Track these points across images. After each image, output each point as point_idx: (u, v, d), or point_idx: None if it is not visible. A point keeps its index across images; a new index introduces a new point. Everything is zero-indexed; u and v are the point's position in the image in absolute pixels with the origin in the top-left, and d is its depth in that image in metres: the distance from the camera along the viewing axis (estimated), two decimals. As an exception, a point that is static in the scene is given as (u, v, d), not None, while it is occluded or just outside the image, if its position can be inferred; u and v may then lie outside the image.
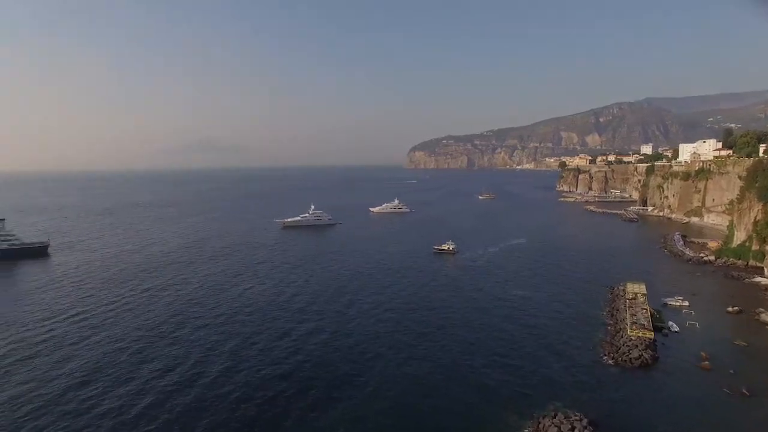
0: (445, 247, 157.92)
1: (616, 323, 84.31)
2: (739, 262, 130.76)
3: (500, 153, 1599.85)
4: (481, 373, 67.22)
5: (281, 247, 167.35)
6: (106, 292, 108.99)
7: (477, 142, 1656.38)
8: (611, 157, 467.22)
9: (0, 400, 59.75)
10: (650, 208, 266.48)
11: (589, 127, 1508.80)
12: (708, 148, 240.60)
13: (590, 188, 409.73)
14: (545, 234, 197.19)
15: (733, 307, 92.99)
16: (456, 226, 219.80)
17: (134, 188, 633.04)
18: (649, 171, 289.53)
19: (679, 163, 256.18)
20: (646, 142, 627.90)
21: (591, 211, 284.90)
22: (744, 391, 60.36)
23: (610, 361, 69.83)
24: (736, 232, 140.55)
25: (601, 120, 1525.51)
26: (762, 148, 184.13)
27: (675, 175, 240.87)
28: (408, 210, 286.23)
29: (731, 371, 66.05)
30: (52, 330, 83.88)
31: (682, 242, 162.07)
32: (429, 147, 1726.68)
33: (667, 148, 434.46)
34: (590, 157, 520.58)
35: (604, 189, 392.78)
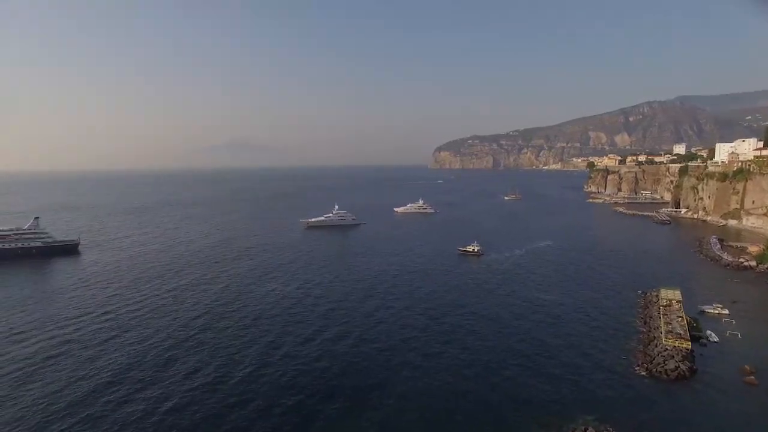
0: (470, 248, 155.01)
1: (650, 331, 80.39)
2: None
3: (526, 153, 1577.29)
4: (510, 380, 64.72)
5: (305, 248, 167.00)
6: (133, 291, 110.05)
7: (503, 142, 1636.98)
8: (642, 157, 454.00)
9: (27, 400, 60.10)
10: (683, 210, 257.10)
11: (618, 126, 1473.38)
12: (748, 147, 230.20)
13: (619, 189, 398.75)
14: (573, 236, 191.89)
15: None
16: (481, 228, 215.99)
17: (166, 187, 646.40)
18: (683, 171, 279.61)
19: (716, 163, 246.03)
20: (679, 142, 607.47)
21: (620, 212, 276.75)
22: (794, 409, 56.34)
23: (643, 372, 66.28)
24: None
25: (630, 119, 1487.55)
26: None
27: (711, 175, 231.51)
28: (432, 210, 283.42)
29: (780, 387, 61.63)
30: (78, 330, 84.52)
31: (719, 246, 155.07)
32: (454, 147, 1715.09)
33: (701, 147, 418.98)
34: (619, 157, 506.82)
35: (634, 190, 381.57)
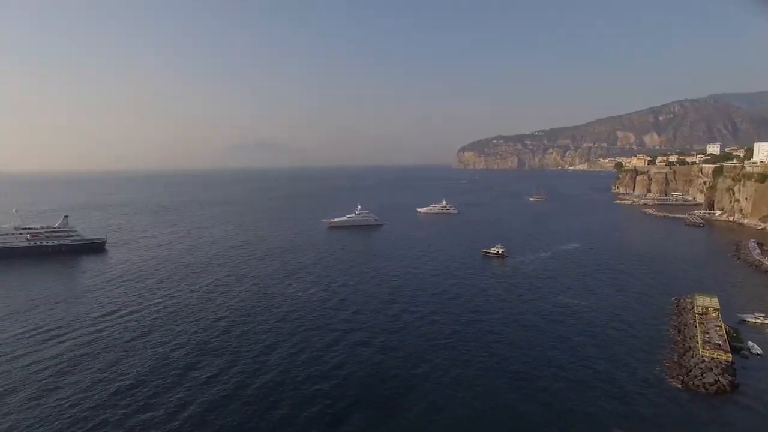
0: (494, 250, 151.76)
1: (685, 340, 76.45)
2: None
3: (552, 153, 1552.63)
4: (539, 389, 62.10)
5: (328, 249, 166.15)
6: (156, 292, 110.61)
7: (528, 142, 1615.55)
8: (673, 158, 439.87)
9: (50, 402, 60.28)
10: (718, 213, 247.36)
11: (647, 126, 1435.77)
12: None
13: (649, 190, 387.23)
14: (601, 238, 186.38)
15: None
16: (505, 229, 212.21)
17: (191, 186, 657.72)
18: (717, 172, 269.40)
19: (754, 163, 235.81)
20: (712, 142, 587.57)
21: (650, 214, 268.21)
22: None
23: (678, 384, 62.65)
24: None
25: (660, 119, 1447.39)
26: None
27: (749, 176, 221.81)
28: (456, 211, 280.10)
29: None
30: (102, 330, 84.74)
31: (758, 250, 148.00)
32: (478, 147, 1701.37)
33: (736, 147, 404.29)
34: (649, 158, 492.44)
35: (665, 191, 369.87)
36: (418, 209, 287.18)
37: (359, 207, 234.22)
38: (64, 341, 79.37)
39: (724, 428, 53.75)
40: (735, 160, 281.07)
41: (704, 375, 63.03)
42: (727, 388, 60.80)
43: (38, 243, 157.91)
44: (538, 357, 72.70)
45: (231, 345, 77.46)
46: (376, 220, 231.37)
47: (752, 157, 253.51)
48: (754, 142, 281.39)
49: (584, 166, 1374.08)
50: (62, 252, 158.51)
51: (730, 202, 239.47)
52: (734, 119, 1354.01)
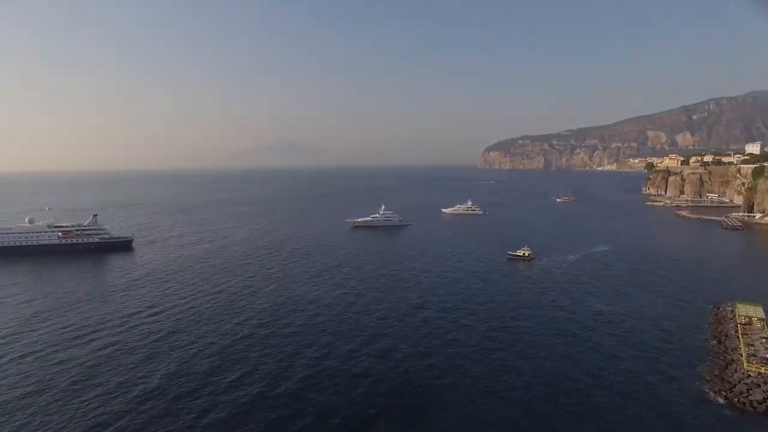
0: (520, 253, 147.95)
1: (726, 352, 71.96)
2: None
3: (579, 153, 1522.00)
4: (575, 401, 59.04)
5: (352, 250, 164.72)
6: (180, 292, 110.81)
7: (554, 142, 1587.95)
8: (708, 158, 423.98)
9: (74, 404, 60.32)
10: (758, 215, 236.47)
11: (680, 125, 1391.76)
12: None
13: (682, 191, 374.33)
14: (631, 241, 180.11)
15: None
16: (532, 231, 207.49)
17: (217, 186, 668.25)
18: (757, 173, 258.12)
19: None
20: (751, 141, 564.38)
21: (684, 216, 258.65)
22: None
23: (721, 400, 58.62)
24: None
25: (693, 117, 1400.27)
26: None
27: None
28: (481, 212, 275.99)
29: None
30: (126, 331, 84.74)
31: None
32: (504, 147, 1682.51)
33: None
34: (682, 158, 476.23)
35: (699, 192, 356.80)
36: (443, 210, 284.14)
37: (383, 207, 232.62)
38: (90, 341, 79.68)
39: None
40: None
41: (751, 392, 58.80)
42: (778, 406, 56.41)
43: (69, 241, 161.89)
44: (572, 366, 69.47)
45: (254, 349, 76.05)
46: (400, 220, 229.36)
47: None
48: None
49: (613, 167, 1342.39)
50: (91, 250, 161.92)
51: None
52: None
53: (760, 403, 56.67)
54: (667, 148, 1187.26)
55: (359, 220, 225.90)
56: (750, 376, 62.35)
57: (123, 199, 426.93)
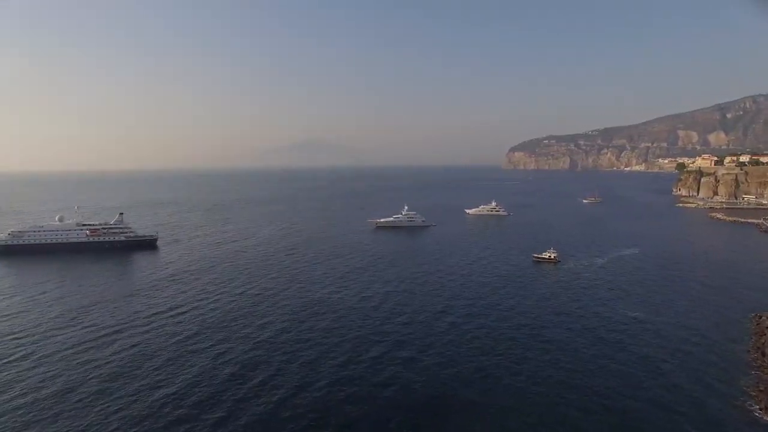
0: (546, 255, 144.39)
1: (770, 366, 67.78)
2: None
3: (606, 153, 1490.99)
4: (602, 417, 55.91)
5: (374, 250, 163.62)
6: (203, 293, 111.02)
7: (581, 142, 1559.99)
8: (744, 158, 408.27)
9: (97, 405, 60.86)
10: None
11: (713, 124, 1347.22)
12: None
13: (715, 193, 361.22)
14: (662, 244, 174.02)
15: None
16: (558, 232, 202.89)
17: (243, 185, 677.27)
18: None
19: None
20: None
21: (718, 219, 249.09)
22: None
23: (768, 418, 55.02)
24: None
25: (728, 116, 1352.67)
26: None
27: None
28: (505, 213, 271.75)
29: None
30: (149, 332, 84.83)
31: None
32: (529, 147, 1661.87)
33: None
34: (716, 158, 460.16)
35: (734, 194, 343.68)
36: (467, 210, 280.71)
37: (406, 207, 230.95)
38: (114, 341, 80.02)
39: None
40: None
41: (799, 409, 54.97)
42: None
43: (96, 239, 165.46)
44: (607, 376, 66.33)
45: (275, 354, 74.39)
46: (423, 221, 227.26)
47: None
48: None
49: (641, 167, 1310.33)
50: (117, 248, 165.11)
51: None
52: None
53: (808, 420, 52.95)
54: (698, 147, 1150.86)
55: (382, 220, 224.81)
56: (797, 391, 58.36)
57: (150, 197, 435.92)
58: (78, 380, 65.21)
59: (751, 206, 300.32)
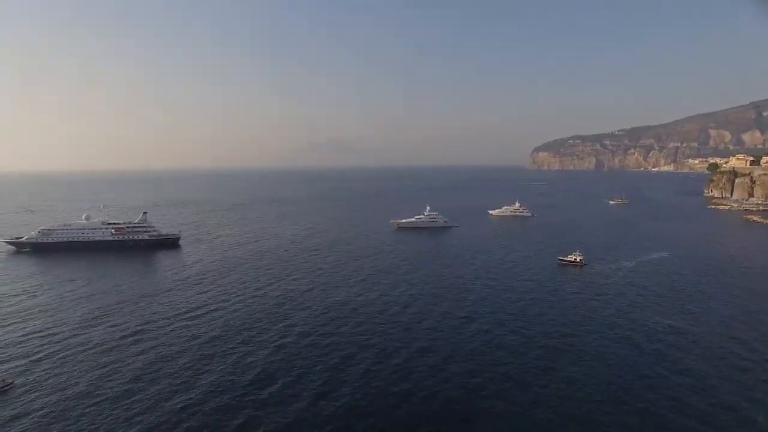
0: (571, 258, 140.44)
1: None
2: None
3: (633, 154, 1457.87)
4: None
5: (395, 251, 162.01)
6: (224, 291, 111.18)
7: (607, 142, 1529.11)
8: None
9: (113, 410, 60.75)
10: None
11: (748, 123, 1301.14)
12: None
13: (751, 194, 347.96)
14: (694, 248, 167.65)
15: None
16: (583, 234, 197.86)
17: (267, 185, 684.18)
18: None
19: None
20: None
21: (755, 222, 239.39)
22: None
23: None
24: None
25: (764, 114, 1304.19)
26: None
27: None
28: (530, 214, 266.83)
29: None
30: (167, 334, 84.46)
31: None
32: (553, 147, 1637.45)
33: None
34: (751, 158, 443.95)
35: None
36: (490, 211, 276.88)
37: (428, 208, 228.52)
38: (136, 342, 79.94)
39: None
40: None
41: None
42: None
43: (120, 238, 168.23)
44: (646, 388, 62.95)
45: (296, 359, 72.46)
46: (445, 222, 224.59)
47: None
48: None
49: (670, 168, 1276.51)
50: (140, 246, 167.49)
51: None
52: None
53: None
54: (731, 147, 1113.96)
55: (403, 221, 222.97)
56: None
57: (174, 197, 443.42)
58: (99, 382, 65.12)
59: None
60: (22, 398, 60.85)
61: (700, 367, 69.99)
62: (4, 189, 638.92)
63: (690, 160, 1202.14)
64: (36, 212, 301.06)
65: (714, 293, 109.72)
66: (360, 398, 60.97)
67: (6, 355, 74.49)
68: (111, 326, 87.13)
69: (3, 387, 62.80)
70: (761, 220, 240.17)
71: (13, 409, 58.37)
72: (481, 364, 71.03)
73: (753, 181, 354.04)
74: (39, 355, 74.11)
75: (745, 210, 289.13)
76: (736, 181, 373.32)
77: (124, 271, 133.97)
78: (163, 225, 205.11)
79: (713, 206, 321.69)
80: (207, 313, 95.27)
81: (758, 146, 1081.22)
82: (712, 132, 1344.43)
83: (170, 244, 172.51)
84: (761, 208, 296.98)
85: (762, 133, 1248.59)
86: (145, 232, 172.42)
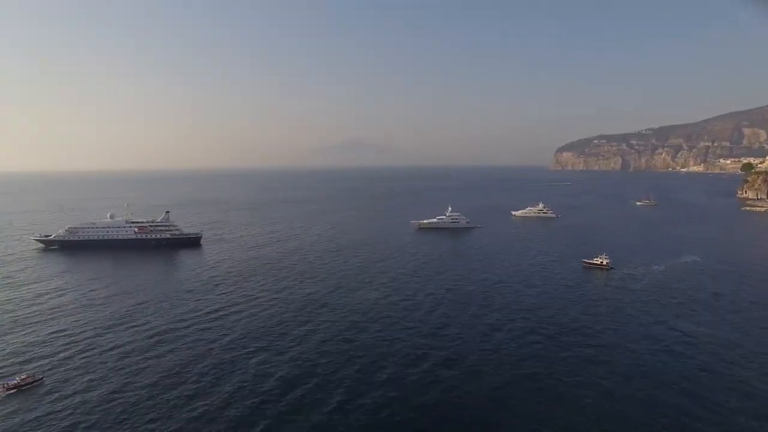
0: (597, 261, 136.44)
1: None
2: None
3: (661, 154, 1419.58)
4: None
5: (416, 252, 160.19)
6: (243, 292, 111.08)
7: (633, 142, 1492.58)
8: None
9: (131, 417, 60.57)
10: None
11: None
12: None
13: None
14: (727, 251, 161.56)
15: None
16: (609, 236, 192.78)
17: (289, 184, 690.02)
18: None
19: None
20: None
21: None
22: None
23: None
24: None
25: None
26: None
27: None
28: (554, 215, 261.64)
29: None
30: (186, 335, 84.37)
31: None
32: (577, 147, 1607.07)
33: None
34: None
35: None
36: (513, 212, 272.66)
37: (450, 208, 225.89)
38: (158, 343, 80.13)
39: None
40: None
41: None
42: None
43: (143, 236, 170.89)
44: (691, 406, 59.44)
45: (316, 367, 70.32)
46: (467, 222, 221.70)
47: None
48: None
49: (700, 168, 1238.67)
50: (163, 245, 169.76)
51: None
52: None
53: None
54: (767, 146, 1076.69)
55: (424, 221, 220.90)
56: None
57: (197, 196, 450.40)
58: (120, 385, 64.83)
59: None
60: (48, 397, 61.65)
61: (748, 379, 66.01)
62: (37, 188, 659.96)
63: (722, 160, 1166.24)
64: (69, 211, 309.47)
65: (757, 299, 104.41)
66: (381, 409, 59.02)
67: (35, 353, 75.72)
68: (133, 327, 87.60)
69: (33, 382, 64.60)
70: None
71: (43, 404, 59.76)
72: (509, 377, 66.92)
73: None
74: (64, 354, 74.97)
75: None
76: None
77: (147, 271, 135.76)
78: (186, 224, 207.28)
79: (748, 208, 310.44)
80: (227, 315, 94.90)
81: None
82: (746, 131, 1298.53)
83: (192, 243, 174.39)
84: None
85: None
86: (167, 231, 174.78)
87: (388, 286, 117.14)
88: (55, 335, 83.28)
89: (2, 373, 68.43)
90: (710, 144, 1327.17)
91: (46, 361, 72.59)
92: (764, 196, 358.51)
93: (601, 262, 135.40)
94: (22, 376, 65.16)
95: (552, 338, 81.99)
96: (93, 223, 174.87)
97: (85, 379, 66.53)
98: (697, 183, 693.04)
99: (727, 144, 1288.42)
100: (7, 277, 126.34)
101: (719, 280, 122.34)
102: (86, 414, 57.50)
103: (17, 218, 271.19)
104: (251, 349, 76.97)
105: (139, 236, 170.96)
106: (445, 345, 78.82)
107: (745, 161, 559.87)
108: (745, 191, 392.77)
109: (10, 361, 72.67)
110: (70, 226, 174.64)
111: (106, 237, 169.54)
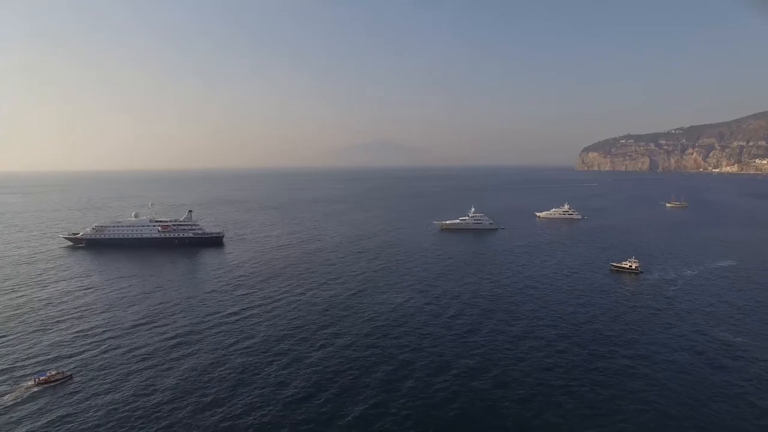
0: (626, 264, 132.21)
1: None
2: None
3: (691, 154, 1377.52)
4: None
5: (441, 254, 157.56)
6: (265, 294, 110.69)
7: (662, 142, 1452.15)
8: None
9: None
10: None
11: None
12: None
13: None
14: (765, 256, 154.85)
15: None
16: (638, 239, 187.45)
17: (316, 184, 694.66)
18: None
19: None
20: None
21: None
22: None
23: None
24: None
25: None
26: None
27: None
28: (580, 216, 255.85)
29: None
30: (207, 337, 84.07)
31: None
32: (604, 147, 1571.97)
33: None
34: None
35: None
36: (537, 213, 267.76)
37: (473, 209, 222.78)
38: (179, 345, 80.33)
39: None
40: None
41: None
42: None
43: (167, 235, 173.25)
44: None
45: (335, 374, 68.77)
46: (490, 224, 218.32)
47: None
48: None
49: (733, 169, 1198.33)
50: (186, 244, 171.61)
51: None
52: None
53: None
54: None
55: (447, 222, 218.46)
56: None
57: (222, 195, 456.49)
58: (141, 388, 64.78)
59: None
60: (75, 396, 62.28)
61: (749, 391, 62.88)
62: (67, 187, 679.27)
63: (758, 161, 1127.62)
64: (100, 209, 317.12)
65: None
66: (404, 420, 57.16)
67: (63, 351, 76.87)
68: (156, 328, 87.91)
69: (62, 379, 66.35)
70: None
71: (72, 401, 60.87)
72: (538, 392, 63.84)
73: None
74: (91, 353, 75.87)
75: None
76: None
77: (170, 271, 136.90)
78: (208, 223, 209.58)
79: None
80: (248, 317, 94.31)
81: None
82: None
83: (214, 242, 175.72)
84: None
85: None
86: (190, 230, 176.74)
87: (412, 288, 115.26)
88: (81, 333, 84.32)
89: (33, 367, 70.09)
90: (745, 143, 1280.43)
91: (74, 359, 73.41)
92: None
93: (630, 266, 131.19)
94: (52, 372, 66.76)
95: (584, 349, 78.39)
96: (118, 222, 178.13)
97: (109, 379, 66.90)
98: (730, 184, 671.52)
99: (764, 143, 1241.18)
100: (40, 274, 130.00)
101: (759, 287, 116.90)
102: (107, 416, 57.56)
103: (47, 216, 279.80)
104: (272, 354, 76.11)
105: (162, 235, 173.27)
106: (471, 352, 76.56)
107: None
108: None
109: (40, 358, 73.99)
110: (96, 224, 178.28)
111: (130, 235, 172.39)
